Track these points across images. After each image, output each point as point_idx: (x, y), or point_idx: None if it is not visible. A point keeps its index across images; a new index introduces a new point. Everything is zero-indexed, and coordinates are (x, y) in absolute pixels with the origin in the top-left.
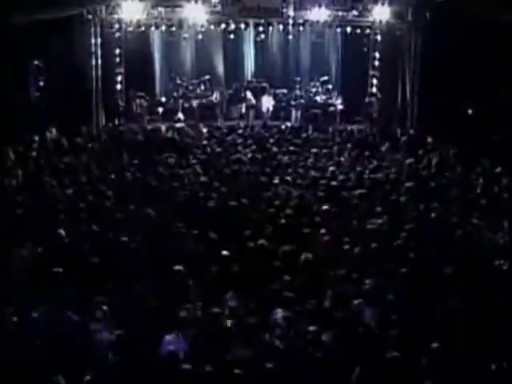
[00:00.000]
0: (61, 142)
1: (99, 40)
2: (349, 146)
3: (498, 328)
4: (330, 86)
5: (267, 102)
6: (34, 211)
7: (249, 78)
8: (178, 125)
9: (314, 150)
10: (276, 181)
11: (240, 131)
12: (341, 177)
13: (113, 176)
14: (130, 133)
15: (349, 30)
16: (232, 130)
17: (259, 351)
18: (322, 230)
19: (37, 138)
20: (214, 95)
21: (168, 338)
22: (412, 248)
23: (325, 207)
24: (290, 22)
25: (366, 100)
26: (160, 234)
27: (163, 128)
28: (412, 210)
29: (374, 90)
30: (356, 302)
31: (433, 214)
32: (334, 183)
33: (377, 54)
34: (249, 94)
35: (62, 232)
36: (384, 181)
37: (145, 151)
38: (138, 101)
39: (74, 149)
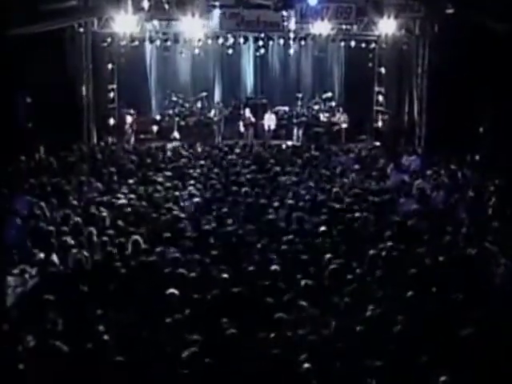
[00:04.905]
0: (49, 162)
1: (91, 55)
2: (353, 166)
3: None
4: (333, 103)
5: (269, 121)
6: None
7: (248, 94)
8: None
9: (316, 171)
10: (276, 203)
11: (238, 150)
12: (346, 199)
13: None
14: (121, 151)
15: (353, 44)
16: (230, 149)
17: None
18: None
19: (23, 158)
20: (212, 113)
21: None
22: (422, 274)
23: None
24: (291, 35)
25: (372, 118)
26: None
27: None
28: (420, 234)
29: (380, 107)
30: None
31: (446, 238)
32: (338, 206)
33: (382, 69)
34: (247, 112)
35: (53, 257)
36: (391, 203)
37: (137, 171)
38: (126, 118)
39: (64, 168)
